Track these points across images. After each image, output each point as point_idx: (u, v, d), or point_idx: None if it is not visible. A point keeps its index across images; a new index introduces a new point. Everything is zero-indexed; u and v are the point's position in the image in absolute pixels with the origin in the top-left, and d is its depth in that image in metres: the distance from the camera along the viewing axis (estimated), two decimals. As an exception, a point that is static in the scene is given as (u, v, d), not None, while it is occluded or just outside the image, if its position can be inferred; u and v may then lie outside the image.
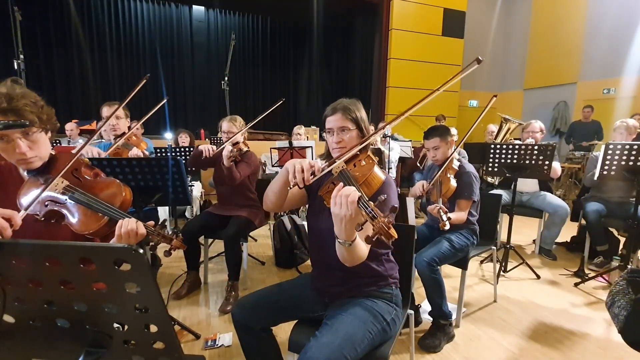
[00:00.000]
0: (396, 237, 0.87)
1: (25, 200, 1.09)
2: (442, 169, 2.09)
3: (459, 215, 1.99)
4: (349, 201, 0.92)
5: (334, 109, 1.28)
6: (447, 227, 1.80)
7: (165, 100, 2.10)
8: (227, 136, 2.45)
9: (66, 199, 1.11)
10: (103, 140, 2.44)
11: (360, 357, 1.08)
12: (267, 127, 8.23)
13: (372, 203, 0.93)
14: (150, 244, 1.19)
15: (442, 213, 1.82)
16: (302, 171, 1.07)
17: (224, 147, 2.31)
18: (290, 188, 1.11)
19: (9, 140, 1.03)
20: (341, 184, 1.02)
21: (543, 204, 3.14)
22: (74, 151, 1.18)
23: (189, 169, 3.43)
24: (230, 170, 2.31)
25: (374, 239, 0.88)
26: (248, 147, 2.53)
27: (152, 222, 1.15)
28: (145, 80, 1.45)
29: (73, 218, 1.10)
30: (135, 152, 2.24)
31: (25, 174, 1.14)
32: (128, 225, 1.06)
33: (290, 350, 1.28)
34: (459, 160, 2.16)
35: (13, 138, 1.03)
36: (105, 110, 2.30)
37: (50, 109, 1.12)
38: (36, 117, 1.05)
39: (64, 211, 1.11)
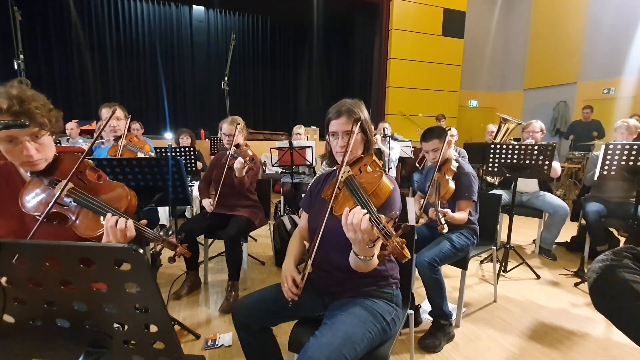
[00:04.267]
0: (409, 257, 0.88)
1: (29, 200, 1.09)
2: (438, 170, 2.08)
3: (460, 216, 1.99)
4: (363, 229, 0.92)
5: (338, 112, 1.26)
6: (445, 230, 1.80)
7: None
8: (228, 138, 2.44)
9: (70, 202, 1.10)
10: (103, 141, 2.44)
11: (360, 356, 1.08)
12: (267, 127, 8.25)
13: (383, 218, 0.92)
14: (155, 249, 1.19)
15: (440, 216, 1.82)
16: (289, 289, 1.17)
17: (228, 155, 2.32)
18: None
19: (17, 142, 1.03)
20: (356, 207, 0.98)
21: (543, 204, 3.14)
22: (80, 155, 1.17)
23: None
24: (241, 180, 2.31)
25: (385, 258, 0.90)
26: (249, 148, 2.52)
27: (145, 221, 1.15)
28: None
29: (77, 221, 1.10)
30: (141, 156, 2.24)
31: (27, 174, 1.14)
32: (118, 223, 1.05)
33: (290, 350, 1.28)
34: (457, 161, 2.15)
35: (22, 140, 1.03)
36: (105, 112, 2.30)
37: (58, 112, 1.12)
38: (46, 120, 1.05)
39: (67, 213, 1.10)
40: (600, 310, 0.78)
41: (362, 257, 1.01)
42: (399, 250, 0.87)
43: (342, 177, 1.15)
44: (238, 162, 2.23)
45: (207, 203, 2.44)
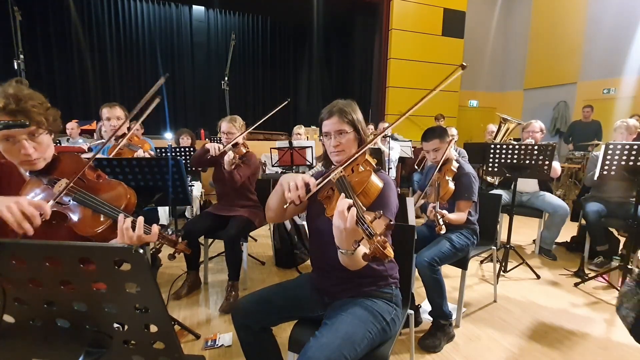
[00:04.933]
0: (391, 256, 0.87)
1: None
2: (438, 169, 2.08)
3: (458, 216, 2.00)
4: (348, 227, 0.92)
5: (330, 112, 1.28)
6: (444, 231, 1.80)
7: (157, 100, 1.97)
8: (227, 137, 2.45)
9: (70, 200, 1.10)
10: (104, 140, 2.44)
11: (360, 356, 1.08)
12: (267, 127, 8.23)
13: (369, 218, 0.92)
14: (155, 247, 1.18)
15: (438, 217, 1.82)
16: (297, 188, 1.07)
17: (222, 152, 2.31)
18: (286, 206, 1.11)
19: (15, 141, 1.03)
20: (342, 195, 1.01)
21: (543, 204, 3.14)
22: (84, 156, 1.17)
23: (190, 168, 3.44)
24: (231, 174, 2.31)
25: (370, 257, 0.89)
26: (248, 148, 2.53)
27: (141, 218, 1.14)
28: (163, 80, 1.44)
29: (76, 219, 1.10)
30: (141, 154, 2.25)
31: (27, 173, 1.14)
32: (133, 230, 1.05)
33: (290, 350, 1.28)
34: (457, 161, 2.15)
35: (19, 139, 1.03)
36: (106, 112, 2.30)
37: (55, 111, 1.12)
38: (43, 119, 1.06)
39: (67, 212, 1.10)
40: None
41: (343, 251, 1.01)
42: (380, 250, 0.86)
43: (334, 178, 1.15)
44: (227, 156, 2.27)
45: (212, 145, 2.35)
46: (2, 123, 0.93)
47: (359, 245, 0.93)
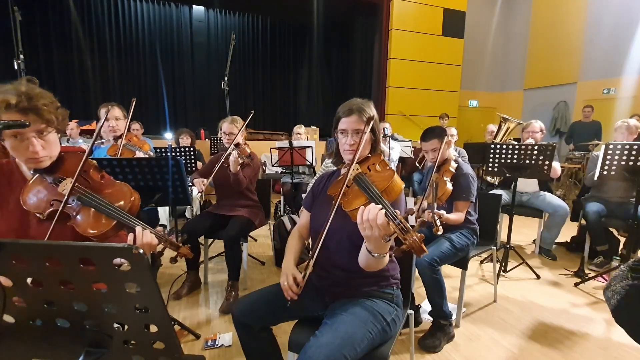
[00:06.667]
0: (427, 252, 0.89)
1: (31, 197, 1.09)
2: (436, 170, 2.08)
3: (456, 217, 1.99)
4: (379, 224, 0.91)
5: (349, 110, 1.27)
6: (441, 232, 1.80)
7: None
8: (228, 138, 2.45)
9: (74, 200, 1.10)
10: (103, 141, 2.44)
11: (360, 357, 1.08)
12: (267, 127, 8.25)
13: (399, 213, 0.92)
14: (158, 250, 1.19)
15: (436, 218, 1.82)
16: (289, 288, 1.15)
17: (227, 153, 2.30)
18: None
19: (23, 138, 1.03)
20: (363, 207, 0.97)
21: (543, 204, 3.14)
22: (85, 154, 1.18)
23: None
24: (237, 176, 2.30)
25: (403, 251, 0.89)
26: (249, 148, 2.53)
27: (160, 229, 1.16)
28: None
29: (79, 219, 1.10)
30: (141, 155, 2.25)
31: (29, 172, 1.14)
32: (143, 238, 1.07)
33: (290, 350, 1.28)
34: (456, 161, 2.15)
35: (28, 137, 1.03)
36: (103, 112, 2.30)
37: (64, 110, 1.13)
38: (53, 117, 1.07)
39: (70, 212, 1.10)
40: (630, 328, 0.75)
41: (375, 255, 1.01)
42: (417, 245, 0.87)
43: (351, 174, 1.15)
44: (232, 156, 2.25)
45: (199, 181, 2.35)
46: (2, 123, 0.93)
47: (389, 239, 0.94)
